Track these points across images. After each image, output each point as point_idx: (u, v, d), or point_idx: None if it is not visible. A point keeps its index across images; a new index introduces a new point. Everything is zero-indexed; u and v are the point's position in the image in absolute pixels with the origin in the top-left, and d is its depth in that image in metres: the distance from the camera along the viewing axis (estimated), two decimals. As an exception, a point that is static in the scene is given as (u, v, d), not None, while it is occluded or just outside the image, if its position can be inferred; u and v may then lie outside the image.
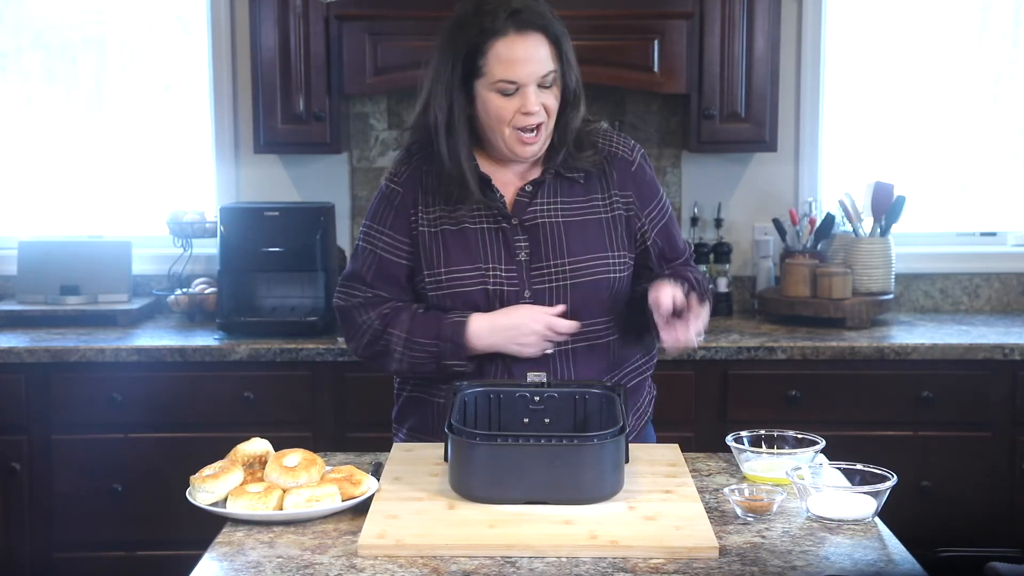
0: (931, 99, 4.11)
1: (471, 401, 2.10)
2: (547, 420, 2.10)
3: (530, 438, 1.99)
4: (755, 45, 3.72)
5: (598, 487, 1.90)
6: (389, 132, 4.05)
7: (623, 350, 2.31)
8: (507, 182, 2.27)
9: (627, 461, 1.95)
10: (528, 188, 2.25)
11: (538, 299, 2.21)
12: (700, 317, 2.15)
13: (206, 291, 3.86)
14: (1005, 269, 4.09)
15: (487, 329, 2.20)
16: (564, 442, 1.90)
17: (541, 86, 2.16)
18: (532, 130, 2.18)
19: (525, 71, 2.13)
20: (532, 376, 2.12)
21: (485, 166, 2.26)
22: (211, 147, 4.08)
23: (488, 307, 2.21)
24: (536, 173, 2.27)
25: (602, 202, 2.27)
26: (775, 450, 2.10)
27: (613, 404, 2.06)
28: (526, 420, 2.10)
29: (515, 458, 1.89)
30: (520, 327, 2.19)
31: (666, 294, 2.11)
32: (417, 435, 2.33)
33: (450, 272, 2.22)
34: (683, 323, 2.12)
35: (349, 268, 2.34)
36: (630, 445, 2.21)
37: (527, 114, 2.15)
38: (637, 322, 2.27)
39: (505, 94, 2.15)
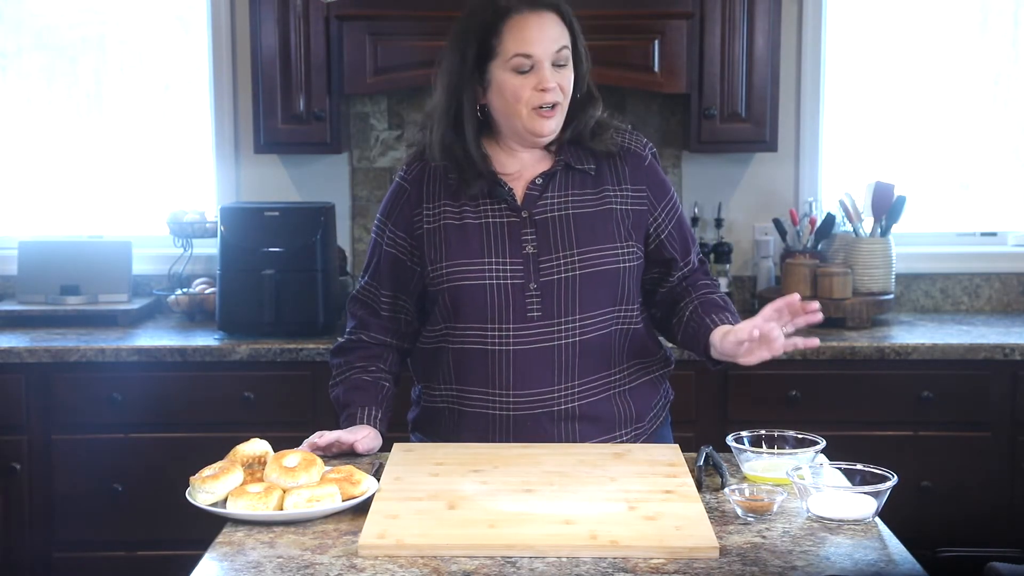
0: (931, 99, 4.11)
1: None
2: None
3: None
4: (755, 45, 3.71)
5: None
6: (389, 132, 4.05)
7: (629, 343, 2.27)
8: (515, 175, 2.25)
9: None
10: (539, 181, 2.23)
11: (545, 291, 2.18)
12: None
13: (206, 291, 3.86)
14: (1005, 269, 4.08)
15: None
16: None
17: (555, 64, 2.16)
18: (550, 107, 2.17)
19: (540, 46, 2.15)
20: None
21: (494, 159, 2.25)
22: (211, 147, 4.08)
23: (490, 302, 2.18)
24: (546, 166, 2.25)
25: (613, 194, 2.25)
26: (775, 450, 2.10)
27: None
28: None
29: None
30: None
31: (744, 332, 2.09)
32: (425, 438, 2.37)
33: (451, 266, 2.20)
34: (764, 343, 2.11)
35: (365, 263, 2.37)
36: (631, 446, 2.21)
37: (543, 91, 2.15)
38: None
39: (521, 71, 2.15)
